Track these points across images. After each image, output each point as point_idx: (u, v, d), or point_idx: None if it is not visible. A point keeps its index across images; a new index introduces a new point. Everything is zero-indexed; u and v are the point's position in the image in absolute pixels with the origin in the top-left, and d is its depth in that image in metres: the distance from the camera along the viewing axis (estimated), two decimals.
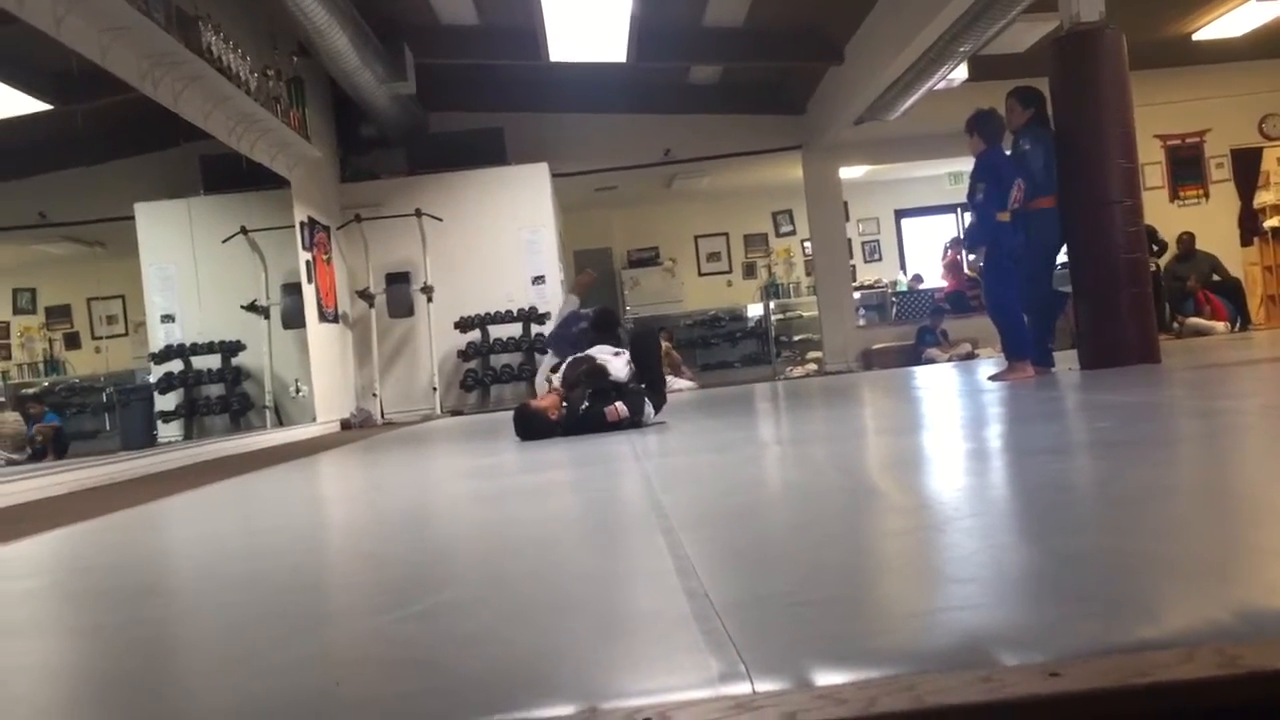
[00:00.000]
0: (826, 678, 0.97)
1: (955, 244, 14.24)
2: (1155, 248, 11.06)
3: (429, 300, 11.00)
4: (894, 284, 15.31)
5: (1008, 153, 6.44)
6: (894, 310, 14.36)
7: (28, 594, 2.12)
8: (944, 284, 13.98)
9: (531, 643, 1.22)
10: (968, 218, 9.46)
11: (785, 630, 1.16)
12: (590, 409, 4.84)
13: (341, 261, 11.05)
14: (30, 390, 7.59)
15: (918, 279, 14.99)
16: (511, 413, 5.32)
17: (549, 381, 5.39)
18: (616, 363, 5.12)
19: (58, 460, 6.77)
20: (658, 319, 14.84)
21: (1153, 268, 10.45)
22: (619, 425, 4.84)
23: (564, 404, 4.93)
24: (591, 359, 5.14)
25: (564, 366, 5.24)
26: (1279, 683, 0.88)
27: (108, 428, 7.88)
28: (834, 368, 12.82)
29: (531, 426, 4.89)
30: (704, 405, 7.09)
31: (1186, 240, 12.32)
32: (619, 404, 4.87)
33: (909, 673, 0.95)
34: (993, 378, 6.20)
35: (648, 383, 5.22)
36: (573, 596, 1.50)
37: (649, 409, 5.07)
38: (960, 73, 10.58)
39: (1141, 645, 0.96)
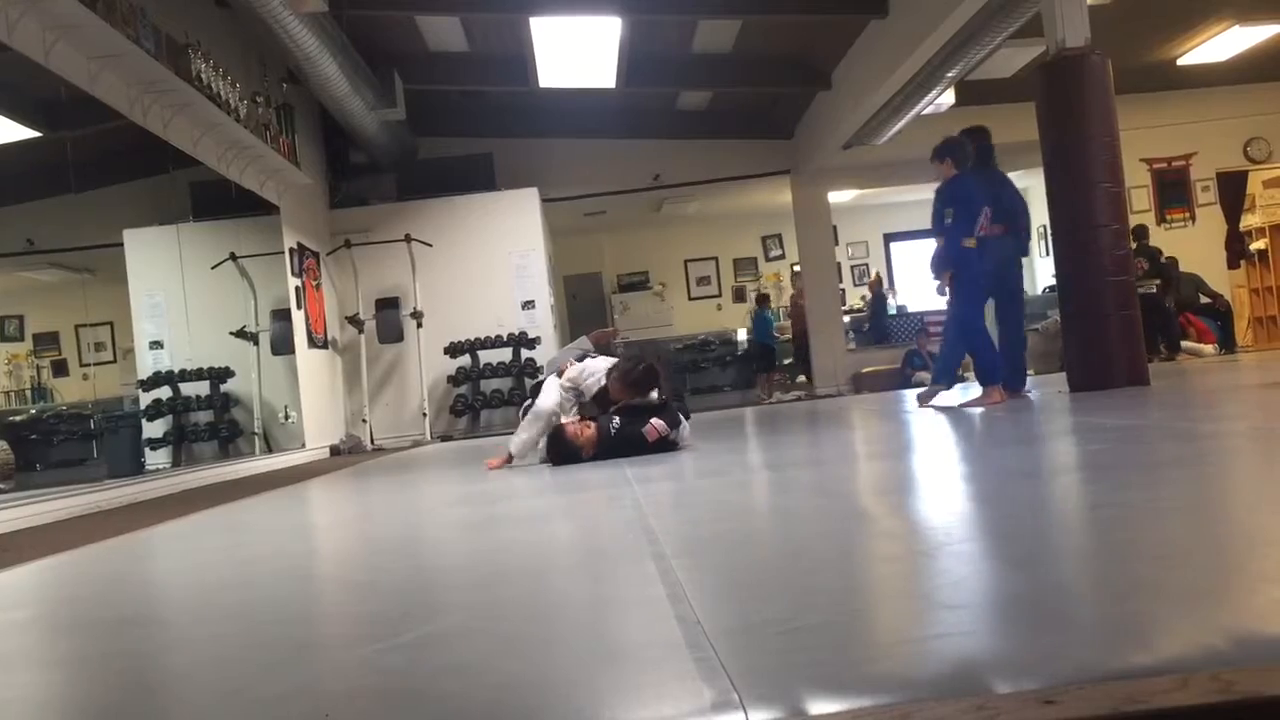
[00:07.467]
0: (820, 706, 0.96)
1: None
2: (1149, 265, 11.02)
3: (419, 325, 11.00)
4: (863, 298, 15.38)
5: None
6: (865, 328, 14.39)
7: (15, 625, 2.10)
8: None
9: (522, 672, 1.21)
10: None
11: (778, 658, 1.15)
12: (624, 429, 4.67)
13: (331, 287, 11.05)
14: (18, 418, 7.54)
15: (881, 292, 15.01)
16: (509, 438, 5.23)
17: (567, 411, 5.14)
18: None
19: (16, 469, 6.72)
20: (648, 344, 14.84)
21: (1153, 289, 10.50)
22: (661, 445, 4.68)
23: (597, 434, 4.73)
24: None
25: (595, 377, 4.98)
26: (1275, 709, 0.88)
27: (95, 455, 7.82)
28: (824, 391, 12.82)
29: (565, 453, 4.71)
30: (694, 430, 7.06)
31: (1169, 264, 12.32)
32: (655, 421, 4.69)
33: (903, 701, 0.94)
34: (963, 405, 6.15)
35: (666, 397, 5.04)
36: (564, 625, 1.49)
37: (684, 425, 4.93)
38: (948, 98, 10.65)
39: (1136, 672, 0.95)
